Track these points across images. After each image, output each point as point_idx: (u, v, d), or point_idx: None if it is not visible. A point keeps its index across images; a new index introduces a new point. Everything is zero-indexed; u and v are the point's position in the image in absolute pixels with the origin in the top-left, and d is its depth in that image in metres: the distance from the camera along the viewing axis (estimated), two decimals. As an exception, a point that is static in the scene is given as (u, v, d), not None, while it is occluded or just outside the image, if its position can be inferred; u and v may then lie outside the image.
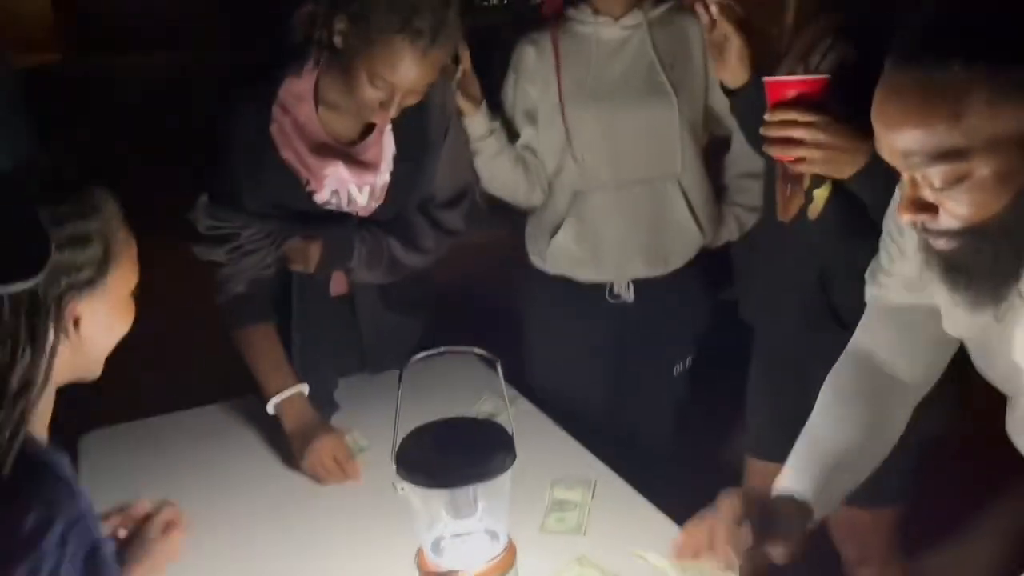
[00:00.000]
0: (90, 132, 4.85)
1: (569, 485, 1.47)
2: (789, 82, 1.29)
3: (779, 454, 1.23)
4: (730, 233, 1.95)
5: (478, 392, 1.76)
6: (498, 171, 1.82)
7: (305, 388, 1.62)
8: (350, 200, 1.69)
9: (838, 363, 1.24)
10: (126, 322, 1.01)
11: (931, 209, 0.86)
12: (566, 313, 1.91)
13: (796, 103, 1.28)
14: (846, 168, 1.29)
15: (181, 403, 1.84)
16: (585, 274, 1.87)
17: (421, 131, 1.68)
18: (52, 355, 0.89)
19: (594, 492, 1.45)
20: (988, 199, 0.82)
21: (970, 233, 0.85)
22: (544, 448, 1.62)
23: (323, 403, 1.69)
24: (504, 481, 1.08)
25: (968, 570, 1.96)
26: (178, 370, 2.39)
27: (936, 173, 0.82)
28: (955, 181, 0.82)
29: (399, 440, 1.07)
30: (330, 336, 1.74)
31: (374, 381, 1.85)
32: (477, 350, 1.11)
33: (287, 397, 1.59)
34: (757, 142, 1.40)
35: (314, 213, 1.67)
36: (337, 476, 1.52)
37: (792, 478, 1.16)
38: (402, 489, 1.07)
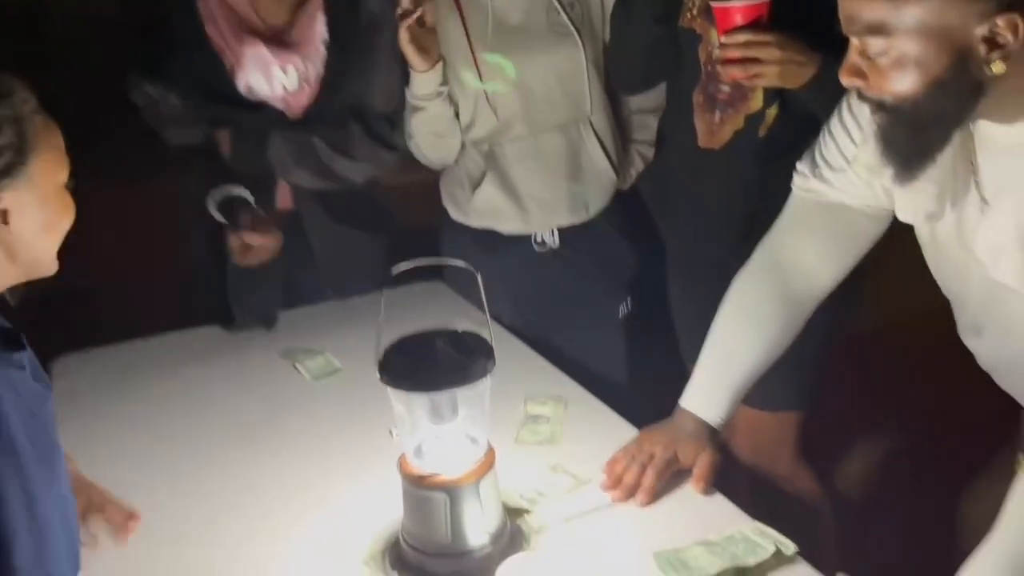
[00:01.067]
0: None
1: (542, 401, 1.51)
2: (737, 8, 1.34)
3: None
4: (636, 169, 1.94)
5: (451, 317, 1.79)
6: (435, 131, 1.80)
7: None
8: (278, 86, 1.70)
9: (746, 271, 1.31)
10: (64, 216, 0.97)
11: (864, 76, 0.96)
12: (494, 264, 1.84)
13: (747, 25, 1.33)
14: (799, 78, 1.36)
15: (152, 329, 1.84)
16: (510, 227, 1.85)
17: (353, 13, 1.68)
18: None
19: (566, 407, 1.50)
20: (905, 79, 0.92)
21: (892, 110, 0.94)
22: (518, 368, 1.65)
23: (269, 312, 1.77)
24: (484, 387, 1.11)
25: (874, 469, 2.05)
26: (149, 295, 2.37)
27: (870, 43, 0.93)
28: (881, 54, 0.92)
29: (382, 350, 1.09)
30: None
31: (343, 308, 1.87)
32: (457, 262, 1.14)
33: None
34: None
35: (237, 99, 1.70)
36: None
37: (701, 402, 1.28)
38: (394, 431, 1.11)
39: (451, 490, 1.08)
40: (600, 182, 1.86)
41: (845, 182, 1.09)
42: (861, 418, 2.21)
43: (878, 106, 0.96)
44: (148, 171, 1.83)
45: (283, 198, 1.81)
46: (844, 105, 1.17)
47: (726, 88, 1.52)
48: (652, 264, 1.97)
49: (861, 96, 0.98)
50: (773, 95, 1.49)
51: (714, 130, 1.56)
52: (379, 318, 1.07)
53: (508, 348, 1.75)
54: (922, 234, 1.11)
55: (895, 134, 0.94)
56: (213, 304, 1.84)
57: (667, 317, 1.87)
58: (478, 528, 1.10)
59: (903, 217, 1.06)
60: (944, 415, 2.17)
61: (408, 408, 1.10)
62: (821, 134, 1.22)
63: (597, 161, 1.84)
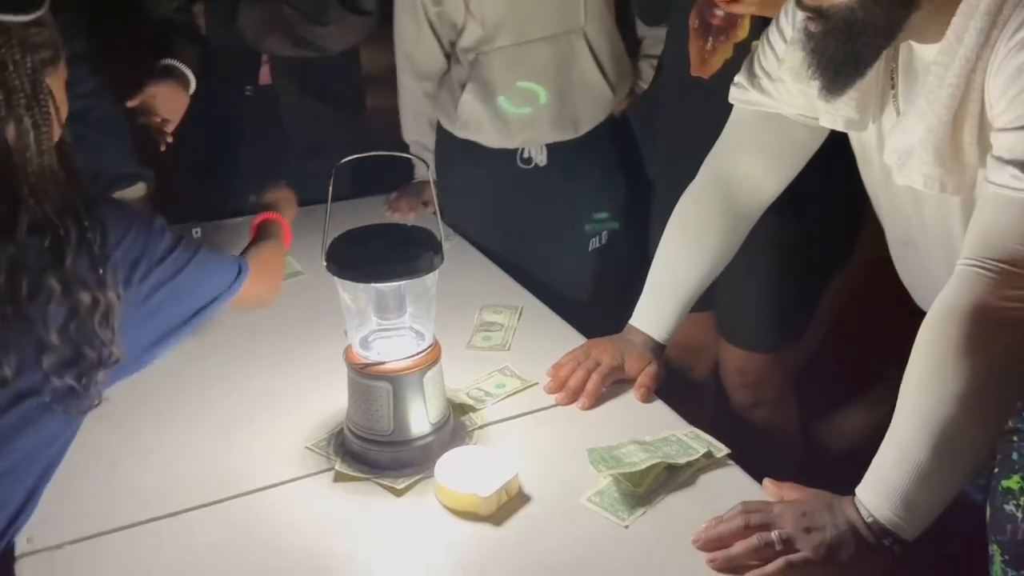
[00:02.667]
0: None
1: (497, 310, 1.54)
2: None
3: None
4: (647, 84, 1.92)
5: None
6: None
7: None
8: None
9: (690, 188, 1.33)
10: (64, 111, 1.04)
11: None
12: (477, 175, 1.87)
13: None
14: (778, 6, 1.33)
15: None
16: (492, 140, 1.82)
17: None
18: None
19: (520, 316, 1.52)
20: None
21: (827, 18, 0.94)
22: (477, 280, 1.69)
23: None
24: (431, 282, 1.13)
25: (854, 403, 2.10)
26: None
27: None
28: None
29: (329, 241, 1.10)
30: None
31: (306, 216, 1.87)
32: (408, 154, 1.14)
33: None
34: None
35: None
36: None
37: (648, 320, 1.33)
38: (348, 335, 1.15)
39: (394, 379, 1.10)
40: (592, 98, 1.80)
41: (783, 91, 1.10)
42: (849, 357, 2.24)
43: (815, 13, 0.96)
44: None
45: (263, 75, 1.90)
46: (781, 14, 1.17)
47: (719, 12, 1.50)
48: (634, 199, 1.97)
49: (799, 3, 0.98)
50: (760, 26, 1.46)
51: (705, 58, 1.55)
52: (327, 205, 1.08)
53: (470, 259, 1.77)
54: (854, 147, 1.12)
55: (827, 44, 0.94)
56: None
57: (639, 251, 1.89)
58: (420, 419, 1.13)
59: (824, 123, 1.07)
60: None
61: (354, 299, 1.12)
62: (759, 44, 1.22)
63: (589, 76, 1.78)
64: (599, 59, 1.78)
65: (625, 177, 1.93)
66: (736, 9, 1.40)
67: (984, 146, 0.90)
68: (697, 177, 1.32)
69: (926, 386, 0.89)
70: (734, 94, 1.25)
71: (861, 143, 1.10)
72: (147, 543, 1.03)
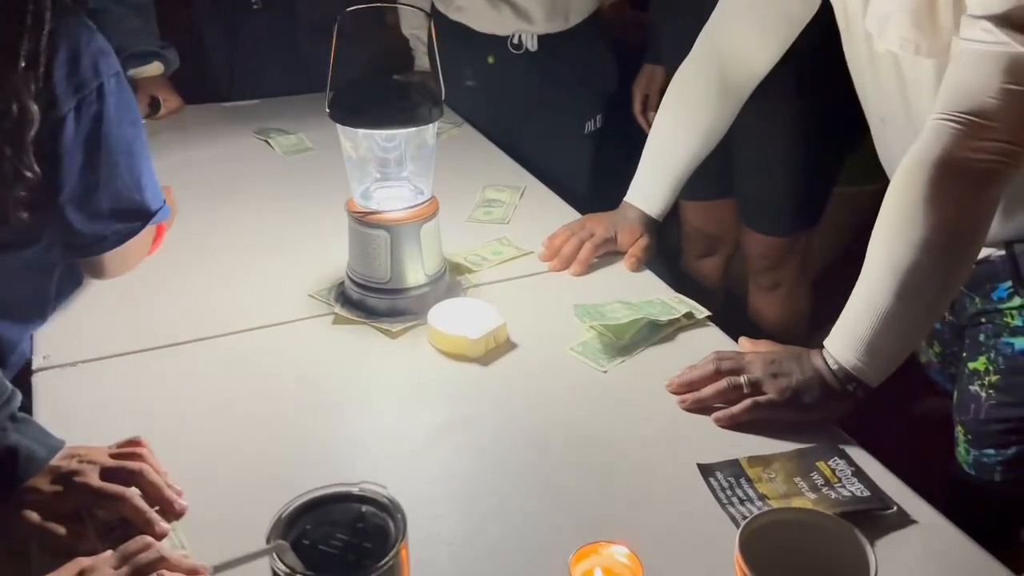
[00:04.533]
0: None
1: (499, 188, 1.58)
2: None
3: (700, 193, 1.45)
4: None
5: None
6: None
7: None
8: None
9: (685, 62, 1.35)
10: None
11: None
12: (470, 59, 1.90)
13: None
14: None
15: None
16: (483, 25, 1.86)
17: None
18: None
19: (521, 196, 1.57)
20: None
21: None
22: (481, 160, 1.73)
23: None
24: (430, 136, 1.17)
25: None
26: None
27: None
28: None
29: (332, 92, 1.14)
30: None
31: (318, 100, 1.91)
32: (410, 5, 1.16)
33: None
34: None
35: None
36: None
37: (643, 196, 1.37)
38: None
39: (392, 228, 1.15)
40: None
41: None
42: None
43: None
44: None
45: None
46: None
47: None
48: (629, 84, 2.00)
49: None
50: None
51: None
52: (332, 51, 1.12)
53: (474, 141, 1.82)
54: (838, 18, 1.14)
55: None
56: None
57: (636, 134, 1.92)
58: (416, 269, 1.18)
59: None
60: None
61: (355, 147, 1.17)
62: None
63: None
64: None
65: (616, 62, 1.96)
66: None
67: (959, 8, 0.92)
68: (691, 52, 1.34)
69: (894, 234, 0.93)
70: None
71: (846, 12, 1.11)
72: (155, 367, 1.09)
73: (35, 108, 0.90)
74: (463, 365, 1.10)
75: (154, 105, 1.85)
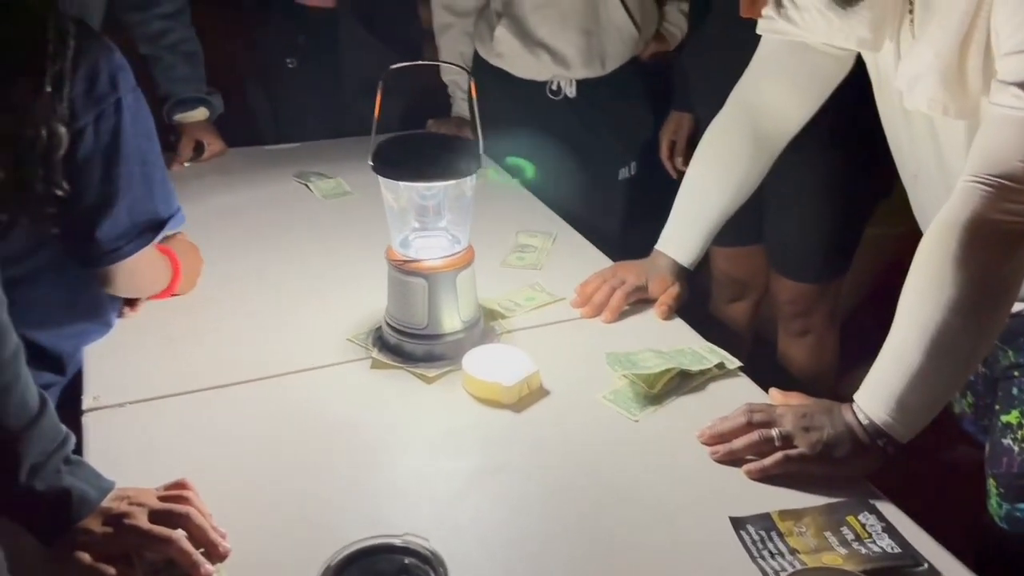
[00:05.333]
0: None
1: (532, 234, 1.62)
2: None
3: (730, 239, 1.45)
4: (681, 30, 1.98)
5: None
6: None
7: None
8: None
9: (718, 116, 1.38)
10: None
11: None
12: (508, 103, 1.94)
13: None
14: None
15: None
16: (522, 72, 1.92)
17: None
18: None
19: (554, 241, 1.60)
20: None
21: None
22: (515, 206, 1.77)
23: None
24: (468, 187, 1.20)
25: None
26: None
27: None
28: None
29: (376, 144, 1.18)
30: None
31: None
32: (452, 64, 1.21)
33: None
34: None
35: None
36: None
37: (674, 244, 1.39)
38: None
39: (430, 276, 1.18)
40: (619, 38, 1.90)
41: (808, 20, 1.14)
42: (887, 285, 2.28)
43: None
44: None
45: None
46: None
47: None
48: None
49: None
50: None
51: (755, 0, 1.59)
52: (375, 111, 1.16)
53: (507, 186, 1.86)
54: (871, 74, 1.16)
55: None
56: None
57: (669, 182, 1.95)
58: (452, 315, 1.21)
59: (837, 41, 1.11)
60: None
61: (396, 199, 1.20)
62: None
63: (616, 17, 1.87)
64: (627, 3, 1.88)
65: (652, 111, 2.01)
66: None
67: (988, 72, 0.94)
68: (725, 106, 1.37)
69: (924, 294, 0.95)
70: (762, 25, 1.29)
71: (878, 69, 1.14)
72: (200, 409, 1.13)
73: (63, 131, 0.95)
74: (497, 411, 1.13)
75: (199, 148, 1.91)
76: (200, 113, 1.90)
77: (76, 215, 1.06)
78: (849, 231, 1.76)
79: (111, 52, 1.05)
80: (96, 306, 1.21)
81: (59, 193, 0.97)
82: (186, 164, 1.88)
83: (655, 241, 1.42)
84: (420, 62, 1.17)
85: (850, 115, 1.49)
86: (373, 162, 1.16)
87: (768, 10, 1.29)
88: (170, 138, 1.91)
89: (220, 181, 1.84)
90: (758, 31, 1.33)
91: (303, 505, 0.96)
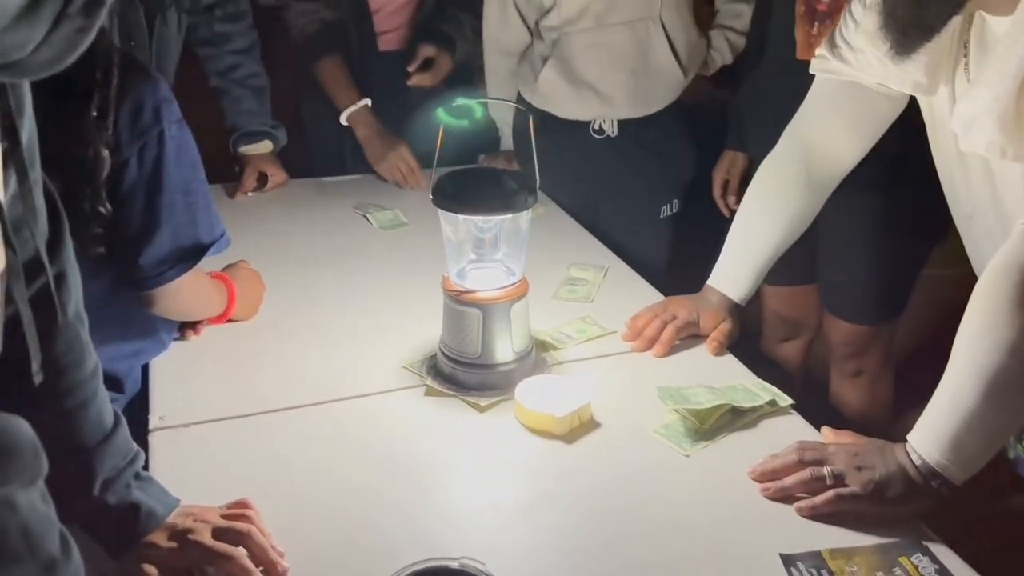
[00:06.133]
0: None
1: (584, 267, 1.64)
2: None
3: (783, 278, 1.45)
4: (723, 57, 2.02)
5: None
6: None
7: (368, 101, 2.04)
8: None
9: (771, 155, 1.39)
10: None
11: None
12: (551, 142, 1.93)
13: None
14: None
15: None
16: (567, 113, 1.95)
17: None
18: None
19: (605, 275, 1.62)
20: None
21: None
22: (567, 239, 1.79)
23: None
24: (524, 221, 1.23)
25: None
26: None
27: None
28: None
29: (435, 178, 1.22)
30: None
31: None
32: (508, 99, 1.24)
33: (355, 109, 2.03)
34: None
35: None
36: (407, 180, 2.03)
37: (726, 281, 1.39)
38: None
39: (484, 307, 1.21)
40: (665, 80, 1.93)
41: (862, 60, 1.16)
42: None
43: None
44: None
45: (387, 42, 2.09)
46: None
47: None
48: (706, 169, 2.05)
49: None
50: None
51: (811, 42, 1.60)
52: (437, 145, 1.20)
53: (559, 220, 1.89)
54: (925, 116, 1.17)
55: (896, 6, 0.97)
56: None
57: (712, 220, 1.96)
58: (505, 346, 1.23)
59: (893, 85, 1.12)
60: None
61: (454, 231, 1.24)
62: (842, 16, 1.27)
63: (663, 60, 1.90)
64: (673, 44, 1.91)
65: (694, 150, 2.03)
66: None
67: None
68: (778, 144, 1.38)
69: (980, 335, 0.94)
70: (815, 65, 1.31)
71: (932, 112, 1.14)
72: (260, 431, 1.16)
73: (106, 154, 1.02)
74: (548, 442, 1.14)
75: (262, 179, 1.97)
76: (264, 146, 1.97)
77: (121, 241, 1.12)
78: (905, 273, 1.74)
79: (156, 84, 1.10)
80: (149, 326, 1.26)
81: (103, 211, 1.02)
82: (249, 194, 1.95)
83: (700, 278, 1.43)
84: (482, 99, 1.20)
85: (907, 155, 1.49)
86: (433, 195, 1.20)
87: (822, 50, 1.31)
88: (235, 168, 1.98)
89: (282, 211, 1.91)
90: (812, 70, 1.34)
91: (359, 527, 0.99)
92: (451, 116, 1.15)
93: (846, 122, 1.30)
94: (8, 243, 0.66)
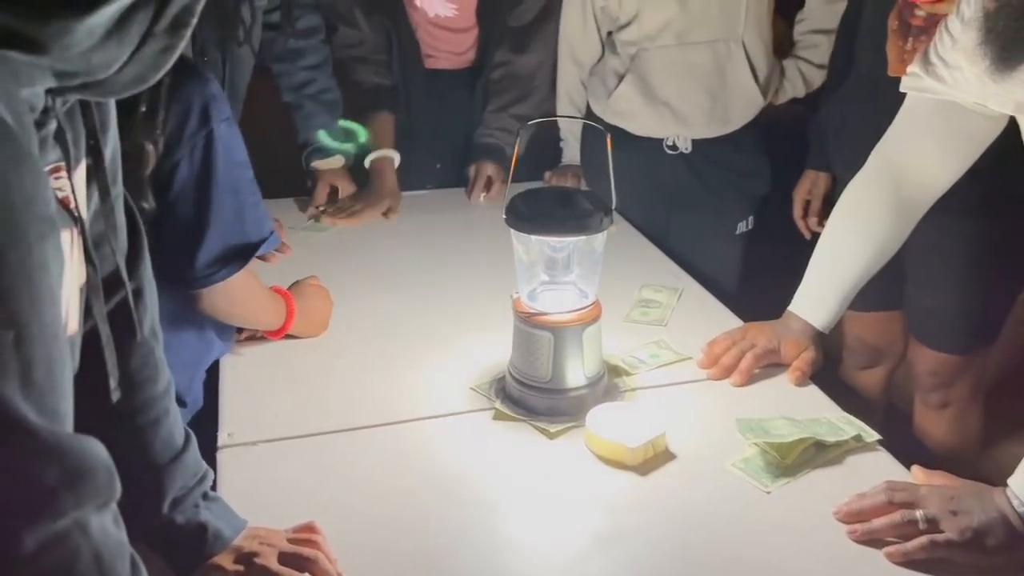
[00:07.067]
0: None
1: (657, 288, 1.59)
2: None
3: (868, 303, 1.38)
4: (795, 89, 1.95)
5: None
6: None
7: (396, 156, 2.00)
8: None
9: (858, 176, 1.32)
10: None
11: None
12: (623, 158, 1.91)
13: None
14: None
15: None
16: (641, 129, 1.91)
17: None
18: None
19: (680, 298, 1.57)
20: None
21: None
22: (638, 258, 1.75)
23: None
24: (599, 243, 1.20)
25: None
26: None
27: None
28: None
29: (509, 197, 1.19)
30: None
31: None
32: (589, 121, 1.21)
33: (382, 154, 1.99)
34: None
35: None
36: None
37: (809, 307, 1.33)
38: (514, 295, 1.22)
39: (556, 331, 1.18)
40: (743, 101, 1.88)
41: (959, 78, 1.09)
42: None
43: None
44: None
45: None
46: (963, 2, 1.15)
47: (921, 13, 1.50)
48: (783, 185, 1.98)
49: None
50: None
51: (904, 58, 1.54)
52: (511, 163, 1.17)
53: (631, 239, 1.85)
54: None
55: (998, 20, 0.92)
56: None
57: (789, 238, 1.90)
58: (577, 370, 1.20)
59: (993, 105, 1.05)
60: None
61: (527, 251, 1.21)
62: (937, 32, 1.21)
63: (743, 81, 1.86)
64: (753, 66, 1.86)
65: (770, 165, 1.96)
66: (940, 9, 1.39)
67: None
68: (866, 165, 1.31)
69: None
70: (907, 83, 1.24)
71: None
72: (326, 451, 1.15)
73: (151, 149, 1.00)
74: (620, 473, 1.10)
75: (333, 193, 1.98)
76: (336, 161, 1.98)
77: (171, 241, 1.11)
78: (1000, 300, 1.65)
79: (205, 84, 1.10)
80: (203, 339, 1.26)
81: (146, 207, 1.02)
82: (320, 208, 1.95)
83: (772, 299, 1.37)
84: (556, 116, 1.18)
85: (1002, 182, 1.41)
86: (506, 215, 1.17)
87: (914, 67, 1.25)
88: (307, 183, 1.99)
89: (352, 226, 1.90)
90: (903, 89, 1.28)
91: (425, 555, 0.96)
92: (334, 139, 1.13)
93: (940, 143, 1.24)
94: (89, 259, 0.66)
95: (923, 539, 0.94)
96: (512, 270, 1.24)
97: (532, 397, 1.21)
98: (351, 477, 1.10)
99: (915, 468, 1.08)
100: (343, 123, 1.89)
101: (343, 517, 1.01)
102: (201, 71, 1.11)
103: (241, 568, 0.88)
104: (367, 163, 1.98)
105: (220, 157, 1.11)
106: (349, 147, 1.93)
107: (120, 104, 0.94)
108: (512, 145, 1.95)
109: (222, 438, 1.16)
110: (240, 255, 1.19)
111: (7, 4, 0.50)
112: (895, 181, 1.28)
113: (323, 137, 1.88)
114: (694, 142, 1.91)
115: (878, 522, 0.97)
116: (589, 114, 1.98)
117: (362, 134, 1.93)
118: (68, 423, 0.56)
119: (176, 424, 0.91)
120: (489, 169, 2.02)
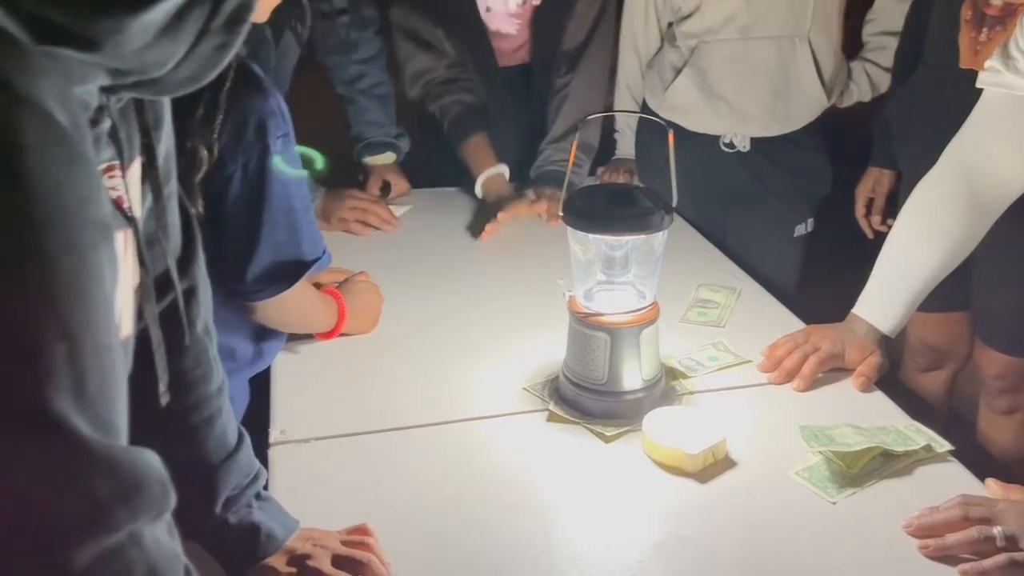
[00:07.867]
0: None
1: (714, 288, 1.55)
2: None
3: (932, 304, 1.35)
4: (861, 93, 1.88)
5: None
6: None
7: (505, 169, 1.90)
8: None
9: (929, 174, 1.26)
10: None
11: None
12: (680, 155, 1.88)
13: None
14: None
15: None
16: (698, 125, 1.84)
17: None
18: None
19: (738, 298, 1.52)
20: None
21: None
22: (696, 257, 1.71)
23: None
24: (658, 243, 1.16)
25: None
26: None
27: None
28: None
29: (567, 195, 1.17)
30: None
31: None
32: (648, 115, 1.18)
33: (491, 174, 1.89)
34: None
35: None
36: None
37: (875, 311, 1.28)
38: (562, 282, 1.20)
39: (613, 331, 1.15)
40: (806, 101, 1.81)
41: None
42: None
43: None
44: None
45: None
46: None
47: (997, 2, 1.43)
48: (845, 186, 1.92)
49: None
50: None
51: (978, 49, 1.48)
52: (569, 160, 1.14)
53: (687, 237, 1.80)
54: None
55: None
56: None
57: (849, 240, 1.84)
58: (634, 373, 1.17)
59: None
60: None
61: (584, 250, 1.18)
62: (1018, 25, 1.15)
63: (807, 80, 1.79)
64: (819, 65, 1.79)
65: (830, 166, 1.90)
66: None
67: None
68: (938, 164, 1.26)
69: None
70: (985, 78, 1.19)
71: None
72: (379, 450, 1.14)
73: (204, 154, 0.98)
74: (679, 480, 1.07)
75: (385, 188, 1.97)
76: (388, 156, 1.96)
77: (224, 255, 1.10)
78: None
79: (265, 99, 1.08)
80: (251, 343, 1.25)
81: (192, 211, 1.01)
82: (304, 179, 1.92)
83: (831, 302, 1.33)
84: (614, 111, 1.14)
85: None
86: (564, 213, 1.15)
87: (993, 61, 1.19)
88: (358, 177, 1.98)
89: (405, 222, 1.88)
90: (979, 84, 1.22)
91: (478, 561, 0.94)
92: (289, 165, 1.09)
93: (1018, 141, 1.18)
94: (141, 261, 0.65)
95: (1001, 557, 0.89)
96: (567, 268, 1.22)
97: (587, 399, 1.18)
98: (402, 477, 1.08)
99: (990, 481, 1.03)
100: (300, 149, 1.84)
101: (393, 518, 0.99)
102: (265, 86, 1.10)
103: (294, 570, 0.87)
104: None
105: (275, 174, 1.10)
106: (305, 173, 1.89)
107: (177, 106, 0.93)
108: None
109: (274, 435, 1.15)
110: (292, 273, 1.17)
111: (60, 2, 0.49)
112: (969, 181, 1.23)
113: (279, 163, 1.83)
114: (753, 141, 1.85)
115: (952, 538, 0.93)
116: (644, 109, 1.94)
117: (319, 161, 1.88)
118: (122, 435, 0.54)
119: (230, 423, 0.90)
120: (551, 193, 1.91)
